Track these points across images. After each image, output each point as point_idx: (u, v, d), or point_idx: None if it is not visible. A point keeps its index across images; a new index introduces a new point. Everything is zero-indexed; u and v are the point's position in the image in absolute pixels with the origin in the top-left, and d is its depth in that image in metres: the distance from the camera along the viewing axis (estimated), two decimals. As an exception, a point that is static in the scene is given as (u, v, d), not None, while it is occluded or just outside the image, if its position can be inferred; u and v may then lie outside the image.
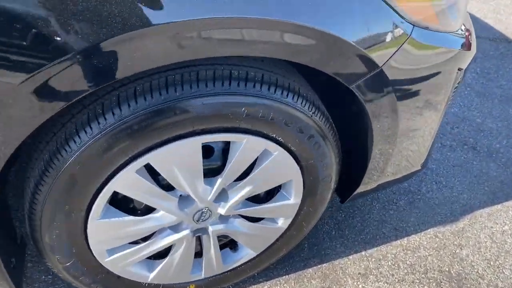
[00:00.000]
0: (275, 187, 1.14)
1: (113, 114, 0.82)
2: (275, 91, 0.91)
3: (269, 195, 1.17)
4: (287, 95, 0.93)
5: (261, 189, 1.10)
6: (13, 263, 1.02)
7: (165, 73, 0.83)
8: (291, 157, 1.03)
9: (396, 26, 0.92)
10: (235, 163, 0.98)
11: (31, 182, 0.89)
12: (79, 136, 0.83)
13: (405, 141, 1.18)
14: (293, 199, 1.14)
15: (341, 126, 1.13)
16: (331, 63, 0.90)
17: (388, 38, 0.92)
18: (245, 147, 0.96)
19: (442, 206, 1.69)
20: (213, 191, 1.02)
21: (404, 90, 1.02)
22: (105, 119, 0.82)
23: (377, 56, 0.92)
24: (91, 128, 0.82)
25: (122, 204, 1.00)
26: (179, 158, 0.92)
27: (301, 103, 0.96)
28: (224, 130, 0.91)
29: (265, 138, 0.97)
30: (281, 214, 1.18)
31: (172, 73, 0.83)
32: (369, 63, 0.92)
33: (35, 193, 0.89)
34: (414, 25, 0.95)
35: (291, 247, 1.31)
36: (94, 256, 1.03)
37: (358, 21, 0.88)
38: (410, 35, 0.94)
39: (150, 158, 0.89)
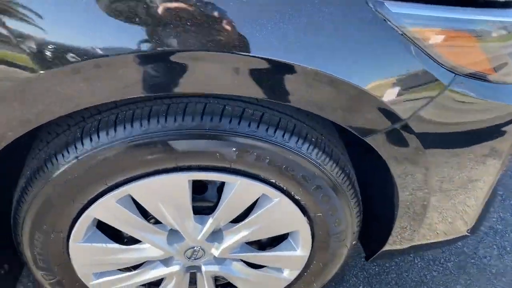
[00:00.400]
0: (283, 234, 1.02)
1: (91, 140, 0.77)
2: (274, 133, 0.80)
3: (276, 241, 1.06)
4: (289, 139, 0.81)
5: (261, 236, 0.99)
6: (4, 269, 1.01)
7: (145, 103, 0.76)
8: (295, 206, 0.91)
9: (430, 74, 0.76)
10: (228, 205, 0.89)
11: (16, 195, 0.87)
12: (56, 158, 0.79)
13: (442, 199, 0.99)
14: (300, 250, 1.01)
15: (364, 175, 0.98)
16: (341, 114, 0.76)
17: (418, 88, 0.76)
18: (238, 189, 0.86)
19: (501, 277, 1.44)
20: (203, 231, 0.93)
21: (437, 144, 0.85)
22: (82, 144, 0.77)
23: (402, 108, 0.77)
24: (68, 151, 0.78)
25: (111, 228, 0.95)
26: (163, 193, 0.84)
27: (307, 149, 0.83)
28: (213, 170, 0.82)
29: (263, 182, 0.86)
30: (287, 265, 1.06)
31: (153, 104, 0.76)
32: (390, 115, 0.77)
33: (17, 208, 0.87)
34: (455, 73, 0.78)
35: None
36: (79, 277, 0.99)
37: (379, 67, 0.73)
38: (449, 85, 0.78)
39: (130, 189, 0.83)
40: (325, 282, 1.12)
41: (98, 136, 0.76)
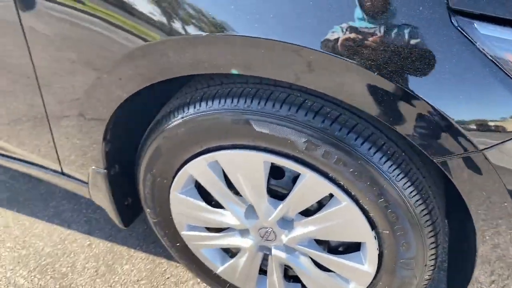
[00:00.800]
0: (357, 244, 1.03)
1: (194, 106, 0.93)
2: (346, 135, 0.83)
3: (348, 249, 1.06)
4: (361, 144, 0.83)
5: (327, 237, 1.01)
6: (128, 202, 1.26)
7: (251, 85, 0.88)
8: (363, 216, 0.92)
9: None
10: (296, 195, 0.95)
11: (142, 140, 1.08)
12: (171, 115, 0.97)
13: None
14: (367, 266, 1.00)
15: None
16: (414, 132, 0.76)
17: (503, 119, 0.70)
18: (306, 182, 0.91)
19: None
20: (274, 214, 1.01)
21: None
22: (188, 108, 0.94)
23: (479, 139, 0.72)
24: (178, 111, 0.95)
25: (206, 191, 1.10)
26: (242, 167, 0.96)
27: (380, 159, 0.84)
28: (284, 156, 0.90)
29: (331, 181, 0.89)
30: (352, 277, 1.05)
31: (256, 87, 0.87)
32: (466, 143, 0.73)
33: (140, 150, 1.08)
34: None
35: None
36: (174, 224, 1.17)
37: (460, 91, 0.71)
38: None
39: (218, 156, 0.96)
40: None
41: (200, 104, 0.92)
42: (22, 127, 1.18)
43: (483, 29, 0.67)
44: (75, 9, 0.87)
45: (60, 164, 1.22)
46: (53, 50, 0.94)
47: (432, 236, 0.92)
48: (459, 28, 0.67)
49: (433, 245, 0.92)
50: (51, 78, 1.01)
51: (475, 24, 0.67)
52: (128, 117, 1.05)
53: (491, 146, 0.72)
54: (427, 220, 0.89)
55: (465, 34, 0.67)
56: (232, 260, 1.18)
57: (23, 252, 1.47)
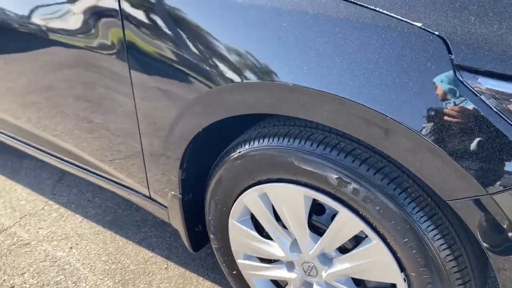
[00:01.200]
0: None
1: (249, 143, 1.10)
2: (374, 174, 0.92)
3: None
4: (387, 184, 0.92)
5: (360, 276, 1.07)
6: (198, 228, 1.44)
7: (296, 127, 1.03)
8: (391, 256, 0.97)
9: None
10: (332, 231, 1.04)
11: (211, 169, 1.26)
12: (233, 149, 1.15)
13: None
14: (399, 311, 1.03)
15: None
16: (426, 174, 0.83)
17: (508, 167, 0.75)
18: (340, 219, 1.01)
19: None
20: (313, 249, 1.10)
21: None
22: (245, 144, 1.11)
23: (487, 183, 0.77)
24: (240, 146, 1.13)
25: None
26: (286, 200, 1.08)
27: (404, 199, 0.91)
28: (322, 191, 1.01)
29: (362, 219, 0.98)
30: (386, 322, 1.08)
31: (300, 129, 1.02)
32: (474, 186, 0.78)
33: (208, 179, 1.27)
34: None
35: None
36: (232, 252, 1.31)
37: (468, 140, 0.78)
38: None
39: (266, 188, 1.11)
40: None
41: (254, 142, 1.09)
42: (121, 156, 1.45)
43: (487, 83, 0.75)
44: (167, 64, 1.11)
45: (148, 189, 1.46)
46: (151, 98, 1.20)
47: (460, 284, 0.93)
48: (464, 82, 0.76)
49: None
50: (147, 118, 1.26)
51: (479, 80, 0.76)
52: (202, 149, 1.25)
53: (500, 191, 0.77)
54: (453, 267, 0.92)
55: (470, 87, 0.76)
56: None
57: (113, 266, 1.72)
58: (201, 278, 1.65)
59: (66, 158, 1.71)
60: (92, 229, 1.90)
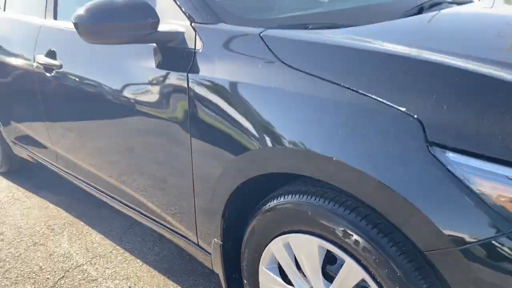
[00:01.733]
0: None
1: (280, 198, 1.33)
2: (377, 234, 1.11)
3: None
4: (381, 239, 1.10)
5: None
6: (235, 275, 1.66)
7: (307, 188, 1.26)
8: (389, 305, 1.12)
9: (487, 220, 0.91)
10: (340, 278, 1.21)
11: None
12: (265, 203, 1.39)
13: None
14: None
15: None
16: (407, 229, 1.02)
17: (475, 227, 0.92)
18: (345, 267, 1.19)
19: None
20: (322, 293, 1.27)
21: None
22: (277, 199, 1.34)
23: (453, 238, 0.94)
24: (270, 201, 1.37)
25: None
26: (304, 249, 1.28)
27: (396, 251, 1.08)
28: (332, 242, 1.20)
29: (363, 268, 1.15)
30: None
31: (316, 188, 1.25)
32: (443, 240, 0.95)
33: (244, 228, 1.50)
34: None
35: None
36: (260, 293, 1.50)
37: (440, 200, 0.96)
38: (507, 233, 0.88)
39: (289, 238, 1.32)
40: None
41: (280, 197, 1.32)
42: (181, 210, 1.74)
43: (454, 157, 0.95)
44: (220, 132, 1.41)
45: (197, 237, 1.72)
46: (205, 160, 1.49)
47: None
48: (433, 155, 0.97)
49: None
50: (200, 177, 1.55)
51: (447, 154, 0.96)
52: (241, 202, 1.50)
53: (465, 245, 0.93)
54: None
55: (439, 159, 0.96)
56: None
57: (162, 306, 1.95)
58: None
59: (137, 208, 2.03)
60: (149, 272, 2.17)
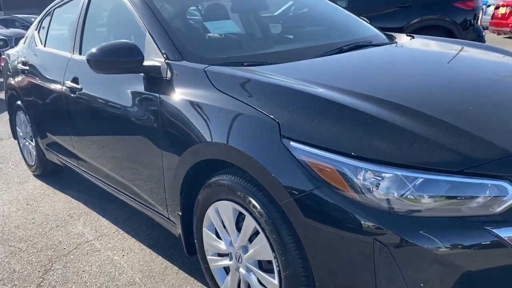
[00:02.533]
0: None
1: (214, 177, 1.99)
2: (261, 195, 1.75)
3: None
4: (264, 197, 1.73)
5: (257, 257, 1.83)
6: (191, 240, 2.29)
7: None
8: (267, 243, 1.74)
9: (301, 179, 1.55)
10: (243, 230, 1.84)
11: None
12: (205, 182, 2.04)
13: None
14: (276, 280, 1.76)
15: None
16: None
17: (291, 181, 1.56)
18: (246, 220, 1.82)
19: None
20: (237, 241, 1.90)
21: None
22: (211, 178, 2.00)
23: (290, 192, 1.57)
24: (207, 181, 2.02)
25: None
26: (225, 211, 1.92)
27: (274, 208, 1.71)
28: (238, 204, 1.84)
29: (255, 220, 1.78)
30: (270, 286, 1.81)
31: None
32: (285, 193, 1.58)
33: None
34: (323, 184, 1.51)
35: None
36: (204, 251, 2.14)
37: (285, 172, 1.60)
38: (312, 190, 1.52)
39: (217, 205, 1.96)
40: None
41: (213, 177, 1.97)
42: (156, 192, 2.40)
43: (294, 144, 1.59)
44: (181, 134, 2.09)
45: (167, 212, 2.38)
46: (169, 154, 2.17)
47: (299, 258, 1.67)
48: (287, 146, 1.60)
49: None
50: (167, 167, 2.21)
51: (290, 141, 1.60)
52: (193, 183, 2.15)
53: (297, 195, 1.56)
54: (295, 249, 1.67)
55: (291, 151, 1.60)
56: (226, 277, 2.05)
57: (146, 267, 2.60)
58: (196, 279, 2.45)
59: (129, 195, 2.72)
60: (140, 247, 2.83)
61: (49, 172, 4.11)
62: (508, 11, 11.54)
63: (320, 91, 1.74)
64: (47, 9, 3.95)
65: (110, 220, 3.23)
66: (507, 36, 12.14)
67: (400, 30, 8.03)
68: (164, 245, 2.83)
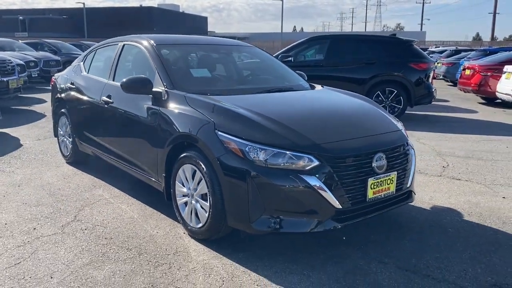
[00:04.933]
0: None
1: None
2: (201, 154, 3.44)
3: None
4: (204, 159, 3.42)
5: (201, 192, 3.51)
6: (170, 192, 3.97)
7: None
8: (205, 182, 3.43)
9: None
10: (195, 177, 3.54)
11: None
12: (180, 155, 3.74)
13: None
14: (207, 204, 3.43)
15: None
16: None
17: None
18: (197, 174, 3.51)
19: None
20: (192, 184, 3.57)
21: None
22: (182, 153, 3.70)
23: (217, 157, 3.28)
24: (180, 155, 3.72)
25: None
26: (187, 170, 3.61)
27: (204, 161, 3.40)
28: (194, 165, 3.54)
29: (201, 173, 3.47)
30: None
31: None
32: (212, 155, 3.29)
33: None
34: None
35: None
36: (176, 196, 3.81)
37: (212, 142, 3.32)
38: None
39: (183, 166, 3.65)
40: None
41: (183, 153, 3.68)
42: (152, 164, 4.08)
43: (220, 134, 3.30)
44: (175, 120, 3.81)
45: (157, 175, 4.05)
46: (161, 141, 3.87)
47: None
48: (217, 134, 3.32)
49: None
50: (159, 147, 3.90)
51: (218, 131, 3.32)
52: (173, 156, 3.83)
53: (219, 157, 3.25)
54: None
55: (218, 136, 3.31)
56: (185, 208, 3.72)
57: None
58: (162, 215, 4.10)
59: (133, 168, 4.41)
60: (140, 205, 4.50)
61: (78, 161, 5.83)
62: (471, 72, 13.37)
63: (240, 110, 3.47)
64: (91, 48, 5.79)
65: (122, 190, 4.90)
66: (471, 93, 13.91)
67: (365, 82, 9.92)
68: (152, 201, 4.50)
